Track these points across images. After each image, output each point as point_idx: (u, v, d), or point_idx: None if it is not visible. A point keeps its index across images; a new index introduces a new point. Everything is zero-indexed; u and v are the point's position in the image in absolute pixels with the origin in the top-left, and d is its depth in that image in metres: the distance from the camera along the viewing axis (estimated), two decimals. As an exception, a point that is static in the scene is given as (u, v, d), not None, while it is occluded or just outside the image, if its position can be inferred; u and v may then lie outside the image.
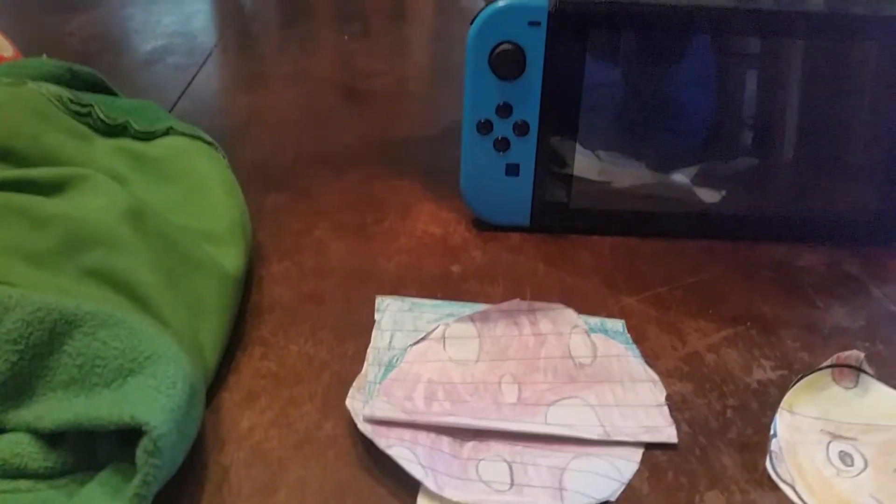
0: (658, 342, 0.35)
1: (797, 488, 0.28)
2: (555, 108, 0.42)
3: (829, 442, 0.30)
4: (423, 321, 0.35)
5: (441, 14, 0.95)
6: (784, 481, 0.28)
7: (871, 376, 0.33)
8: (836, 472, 0.29)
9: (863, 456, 0.30)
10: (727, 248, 0.43)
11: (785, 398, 0.32)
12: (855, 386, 0.33)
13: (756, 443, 0.30)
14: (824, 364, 0.33)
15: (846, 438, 0.30)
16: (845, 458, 0.30)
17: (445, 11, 0.99)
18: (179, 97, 0.64)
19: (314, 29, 0.89)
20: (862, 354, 0.33)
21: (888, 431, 0.31)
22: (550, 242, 0.44)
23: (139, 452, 0.23)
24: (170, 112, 0.61)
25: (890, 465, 0.29)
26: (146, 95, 0.63)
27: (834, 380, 0.33)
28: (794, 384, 0.32)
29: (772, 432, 0.30)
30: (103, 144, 0.41)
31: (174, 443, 0.24)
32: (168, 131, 0.42)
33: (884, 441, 0.30)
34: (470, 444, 0.29)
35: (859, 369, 0.33)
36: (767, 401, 0.32)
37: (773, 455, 0.29)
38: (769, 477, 0.29)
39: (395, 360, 0.32)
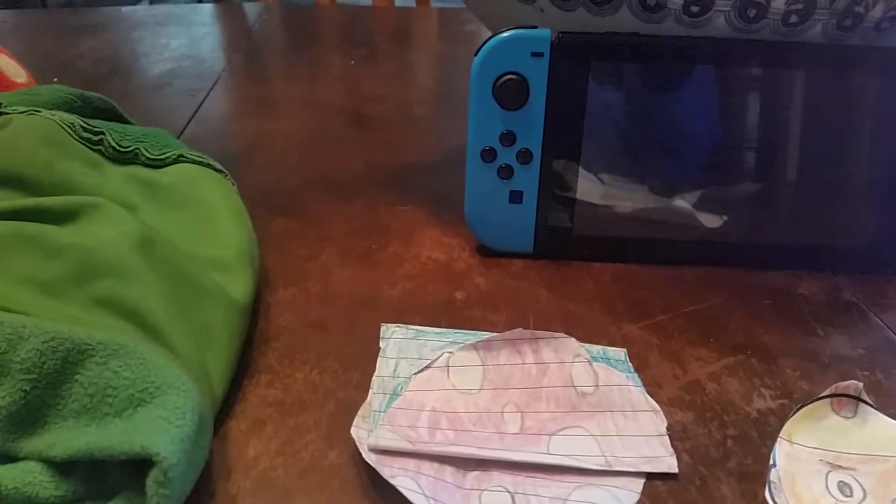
0: (659, 370, 0.36)
1: None
2: (558, 136, 0.42)
3: (829, 472, 0.31)
4: (427, 349, 0.35)
5: (445, 38, 0.97)
6: None
7: (871, 406, 0.33)
8: (835, 502, 0.29)
9: (861, 486, 0.30)
10: (727, 275, 0.43)
11: (784, 428, 0.32)
12: (854, 416, 0.33)
13: (755, 472, 0.30)
14: (823, 394, 0.33)
15: (845, 469, 0.31)
16: (844, 488, 0.30)
17: (450, 36, 1.01)
18: (189, 121, 0.64)
19: (321, 53, 0.90)
20: (861, 384, 0.33)
21: (887, 462, 0.31)
22: (553, 269, 0.44)
23: (149, 482, 0.24)
24: (179, 136, 0.61)
25: (888, 495, 0.29)
26: (156, 119, 0.65)
27: (833, 409, 0.33)
28: (794, 414, 0.33)
29: (771, 462, 0.31)
30: (114, 172, 0.42)
31: (183, 472, 0.25)
32: (178, 159, 0.43)
33: (883, 471, 0.30)
34: (473, 474, 0.29)
35: (859, 399, 0.34)
36: (767, 430, 0.32)
37: (772, 485, 0.30)
38: (768, 507, 0.29)
39: (399, 389, 0.33)
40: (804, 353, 0.37)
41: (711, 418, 0.33)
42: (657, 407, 0.33)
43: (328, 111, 0.69)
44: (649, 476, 0.30)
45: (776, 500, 0.29)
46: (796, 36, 0.41)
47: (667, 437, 0.31)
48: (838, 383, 0.33)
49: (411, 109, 0.70)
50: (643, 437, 0.31)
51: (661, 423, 0.32)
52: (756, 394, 0.34)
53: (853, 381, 0.33)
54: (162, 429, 0.25)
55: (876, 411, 0.33)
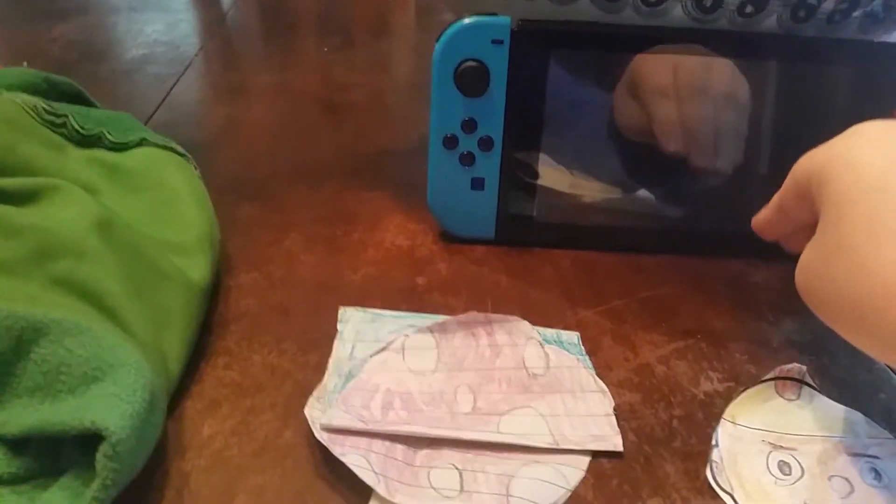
0: (611, 353, 0.36)
1: (736, 496, 0.29)
2: (518, 124, 0.43)
3: (770, 452, 0.32)
4: (384, 332, 0.36)
5: (422, 28, 0.97)
6: (724, 490, 0.30)
7: (814, 389, 0.34)
8: (775, 480, 0.30)
9: (800, 465, 0.31)
10: (685, 263, 0.44)
11: (728, 409, 0.33)
12: (797, 398, 0.34)
13: (699, 452, 0.31)
14: (767, 376, 0.34)
15: (786, 448, 0.32)
16: (784, 467, 0.31)
17: (427, 25, 1.01)
18: (157, 107, 0.64)
19: (296, 41, 0.90)
20: (804, 368, 0.34)
21: (826, 442, 0.32)
22: (514, 255, 0.45)
23: (99, 457, 0.24)
24: (147, 122, 0.61)
25: (825, 473, 0.31)
26: (125, 105, 0.64)
27: (777, 392, 0.34)
28: (738, 396, 0.34)
29: (713, 442, 0.32)
30: (77, 155, 0.42)
31: (133, 448, 0.25)
32: (141, 142, 0.43)
33: (821, 451, 0.32)
34: (423, 452, 0.30)
35: (802, 382, 0.35)
36: (713, 411, 0.33)
37: (714, 464, 0.31)
38: (710, 485, 0.30)
39: (355, 370, 0.34)
40: (754, 339, 0.38)
41: (658, 399, 0.34)
42: (605, 388, 0.33)
43: (300, 98, 0.69)
44: (595, 454, 0.31)
45: (718, 479, 0.30)
46: (752, 26, 0.42)
47: (613, 417, 0.32)
48: (782, 366, 0.34)
49: (384, 97, 0.71)
50: (590, 417, 0.32)
51: (608, 404, 0.33)
52: (704, 377, 0.35)
53: (797, 364, 0.35)
54: (112, 405, 0.25)
55: (818, 394, 0.34)
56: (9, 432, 0.27)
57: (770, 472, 0.31)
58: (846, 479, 0.30)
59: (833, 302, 0.29)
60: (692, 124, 0.43)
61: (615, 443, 0.31)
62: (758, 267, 0.44)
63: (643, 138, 0.44)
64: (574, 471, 0.30)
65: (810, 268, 0.30)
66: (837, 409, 0.34)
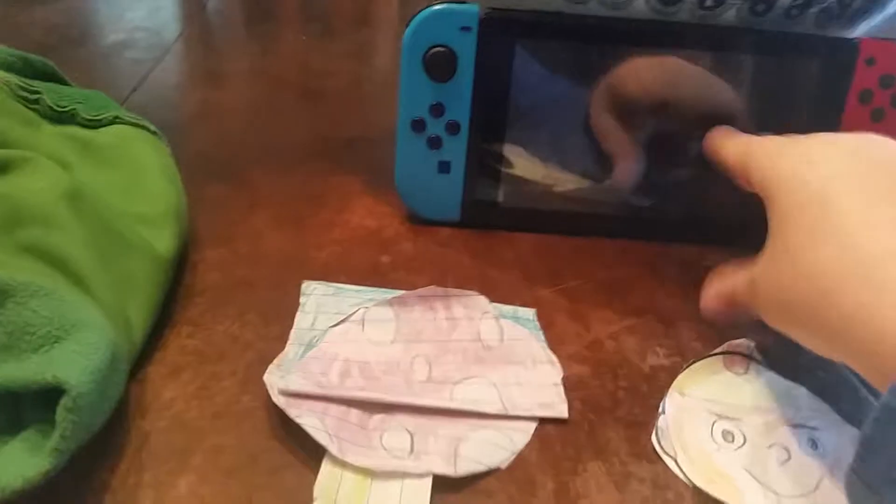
0: (564, 329, 0.38)
1: (678, 460, 0.31)
2: (485, 109, 0.44)
3: (715, 421, 0.33)
4: (345, 305, 0.37)
5: (405, 21, 0.98)
6: (667, 454, 0.31)
7: (761, 364, 0.36)
8: (717, 447, 0.32)
9: (743, 434, 0.32)
10: (642, 247, 0.46)
11: (676, 381, 0.35)
12: (745, 372, 0.36)
13: (641, 421, 0.33)
14: (716, 350, 0.36)
15: (731, 419, 0.33)
16: (727, 435, 0.32)
17: (408, 17, 1.02)
18: (133, 91, 0.65)
19: (276, 29, 0.91)
20: (752, 343, 0.36)
21: (770, 414, 0.34)
22: (478, 238, 0.46)
23: (59, 409, 0.25)
24: (123, 104, 0.62)
25: (766, 442, 0.32)
26: (102, 87, 0.65)
27: (725, 366, 0.36)
28: (686, 367, 0.35)
29: (660, 410, 0.33)
30: (50, 131, 0.43)
31: (93, 403, 0.26)
32: (114, 120, 0.44)
33: (765, 422, 0.33)
34: (377, 417, 0.31)
35: (750, 357, 0.36)
36: (657, 384, 0.35)
37: (660, 430, 0.32)
38: (649, 451, 0.31)
39: (315, 341, 0.35)
40: (702, 318, 0.40)
41: (606, 372, 0.35)
42: (555, 359, 0.35)
43: (276, 84, 0.70)
44: (542, 421, 0.32)
45: (662, 443, 0.32)
46: (712, 19, 0.43)
47: (561, 387, 0.34)
48: (731, 341, 0.36)
49: (360, 86, 0.72)
50: (539, 387, 0.33)
51: (556, 374, 0.34)
52: (651, 352, 0.37)
53: (745, 339, 0.36)
54: (74, 361, 0.26)
55: (765, 369, 0.36)
56: (-28, 389, 0.28)
57: (713, 439, 0.32)
58: (785, 448, 0.32)
59: (781, 305, 0.31)
60: (661, 126, 0.45)
61: (561, 410, 0.32)
62: (710, 252, 0.46)
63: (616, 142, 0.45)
64: (521, 435, 0.31)
65: (760, 277, 0.33)
66: (782, 384, 0.35)
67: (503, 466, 0.30)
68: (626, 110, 0.44)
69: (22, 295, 0.29)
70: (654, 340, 0.38)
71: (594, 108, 0.45)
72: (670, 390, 0.34)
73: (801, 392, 0.35)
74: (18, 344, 0.28)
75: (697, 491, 0.30)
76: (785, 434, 0.32)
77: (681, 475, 0.30)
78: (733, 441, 0.32)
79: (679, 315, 0.40)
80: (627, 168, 0.45)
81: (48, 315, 0.28)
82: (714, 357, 0.36)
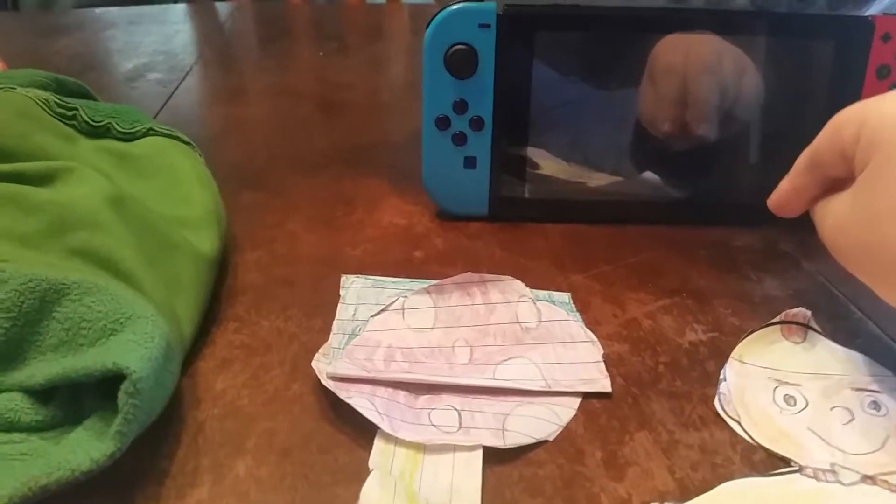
0: (600, 311, 0.38)
1: (743, 423, 0.31)
2: (507, 104, 0.45)
3: (776, 387, 0.33)
4: (384, 295, 0.38)
5: (416, 32, 0.99)
6: (731, 418, 0.32)
7: (819, 332, 0.36)
8: (780, 410, 0.32)
9: (805, 398, 0.33)
10: (669, 231, 0.46)
11: (735, 350, 0.35)
12: (803, 341, 0.36)
13: (683, 392, 0.33)
14: (773, 320, 0.36)
15: (791, 384, 0.33)
16: (789, 399, 0.33)
17: (420, 29, 1.03)
18: (160, 110, 0.67)
19: (292, 47, 0.93)
20: (809, 312, 0.36)
21: (830, 378, 0.34)
22: (507, 230, 0.47)
23: (121, 394, 0.26)
24: (151, 122, 0.64)
25: (828, 404, 0.32)
26: (128, 107, 0.66)
27: (783, 335, 0.36)
28: (745, 337, 0.36)
29: (721, 377, 0.33)
30: (87, 145, 0.44)
31: (152, 388, 0.27)
32: (148, 132, 0.45)
33: (825, 386, 0.33)
34: (424, 397, 0.32)
35: (807, 326, 0.36)
36: (697, 358, 0.35)
37: (722, 396, 0.33)
38: (695, 419, 0.32)
39: (357, 330, 0.35)
40: (737, 295, 0.40)
41: (645, 349, 0.36)
42: (594, 338, 0.35)
43: (297, 98, 0.71)
44: (585, 396, 0.33)
45: (725, 409, 0.32)
46: (725, 4, 0.44)
47: (602, 364, 0.34)
48: (788, 311, 0.36)
49: (379, 95, 0.73)
50: (581, 364, 0.34)
51: (597, 352, 0.35)
52: (689, 328, 0.37)
53: (802, 308, 0.36)
54: (132, 349, 0.27)
55: (823, 337, 0.36)
56: (35, 383, 0.29)
57: (776, 403, 0.32)
58: (847, 409, 0.32)
59: (881, 261, 0.29)
60: (698, 103, 0.45)
61: (604, 385, 0.33)
62: (739, 233, 0.46)
63: (662, 125, 0.46)
64: (566, 410, 0.32)
65: (849, 226, 0.31)
66: (840, 351, 0.35)
67: (551, 439, 0.30)
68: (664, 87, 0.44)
69: (76, 293, 0.30)
70: (690, 317, 0.38)
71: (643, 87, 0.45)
72: (729, 359, 0.35)
73: (860, 358, 0.35)
74: (76, 339, 0.29)
75: (747, 455, 0.30)
76: (846, 397, 0.33)
77: (746, 437, 0.31)
78: (795, 405, 0.32)
79: (713, 293, 0.40)
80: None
81: (103, 310, 0.29)
82: (771, 327, 0.36)
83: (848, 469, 0.29)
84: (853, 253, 0.31)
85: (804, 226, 0.46)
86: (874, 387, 0.33)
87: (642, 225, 0.47)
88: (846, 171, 0.32)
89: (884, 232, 0.29)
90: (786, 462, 0.30)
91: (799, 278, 0.42)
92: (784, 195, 0.36)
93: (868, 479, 0.28)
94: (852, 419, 0.31)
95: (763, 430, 0.31)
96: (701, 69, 0.44)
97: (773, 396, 0.33)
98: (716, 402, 0.32)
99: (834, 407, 0.32)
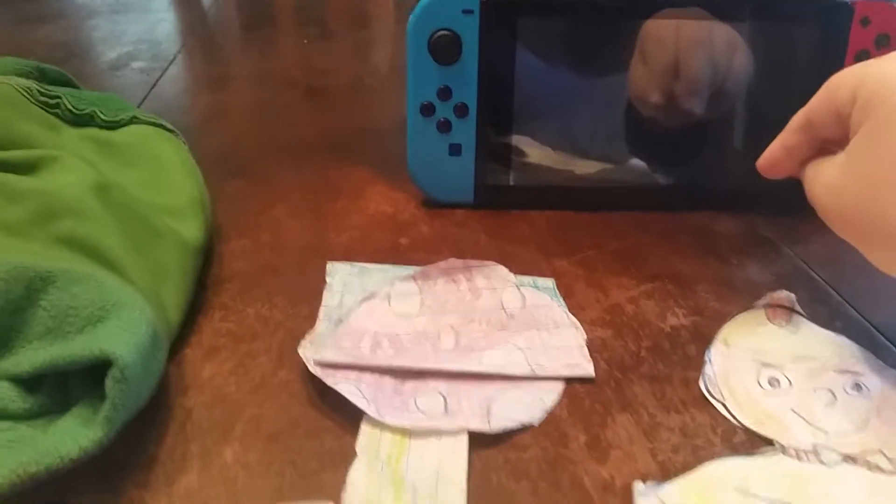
0: (584, 296, 0.39)
1: (728, 405, 0.32)
2: (491, 91, 0.45)
3: (760, 370, 0.34)
4: (370, 282, 0.38)
5: (400, 20, 0.99)
6: (716, 399, 0.32)
7: (803, 316, 0.37)
8: (764, 392, 0.33)
9: (788, 379, 0.33)
10: (652, 217, 0.47)
11: (720, 333, 0.36)
12: (787, 324, 0.37)
13: (665, 376, 0.34)
14: (759, 302, 0.37)
15: (775, 367, 0.34)
16: (773, 381, 0.33)
17: (404, 18, 1.03)
18: (144, 98, 0.66)
19: (275, 33, 0.92)
20: (794, 295, 0.37)
21: (814, 361, 0.34)
22: (492, 217, 0.47)
23: (108, 381, 0.26)
24: (135, 110, 0.63)
25: (811, 386, 0.33)
26: (112, 96, 0.66)
27: (768, 318, 0.37)
28: (730, 320, 0.36)
29: (707, 359, 0.34)
30: (71, 133, 0.44)
31: (139, 375, 0.27)
32: (132, 120, 0.45)
33: (809, 368, 0.34)
34: (410, 383, 0.32)
35: (792, 310, 0.37)
36: (679, 342, 0.36)
37: (707, 378, 0.33)
38: (676, 403, 0.32)
39: (344, 317, 0.36)
40: (718, 279, 0.41)
41: (628, 333, 0.36)
42: (578, 323, 0.36)
43: (281, 86, 0.71)
44: (569, 380, 0.33)
45: (711, 391, 0.32)
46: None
47: (585, 349, 0.34)
48: (772, 293, 0.37)
49: (362, 81, 0.73)
50: (564, 349, 0.34)
51: (580, 337, 0.35)
52: (670, 313, 0.38)
53: (786, 291, 0.37)
54: (118, 336, 0.27)
55: (808, 321, 0.36)
56: (22, 371, 0.29)
57: (760, 385, 0.33)
58: (830, 391, 0.33)
59: (874, 224, 0.29)
60: (689, 77, 0.45)
61: (587, 369, 0.33)
62: (720, 218, 0.47)
63: (654, 107, 0.46)
64: (550, 394, 0.32)
65: (842, 188, 0.30)
66: (824, 334, 0.36)
67: (535, 423, 0.31)
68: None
69: (63, 281, 0.30)
70: (671, 302, 0.39)
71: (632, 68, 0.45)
72: (714, 341, 0.35)
73: (845, 341, 0.35)
74: (63, 327, 0.29)
75: (728, 437, 0.30)
76: (829, 379, 0.33)
77: (731, 419, 0.31)
78: (779, 386, 0.33)
79: (694, 278, 0.41)
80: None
81: (89, 298, 0.29)
82: (756, 310, 0.37)
83: (830, 449, 0.29)
84: (844, 215, 0.31)
85: (784, 212, 0.47)
86: (857, 368, 0.34)
87: (626, 211, 0.47)
88: (840, 132, 0.32)
89: (876, 194, 0.29)
90: (769, 443, 0.30)
91: (779, 263, 0.43)
92: (775, 155, 0.36)
93: (850, 459, 0.29)
94: (835, 400, 0.32)
95: (747, 412, 0.31)
96: (693, 43, 0.44)
97: (758, 378, 0.33)
98: (700, 384, 0.33)
99: (817, 389, 0.33)
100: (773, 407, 0.32)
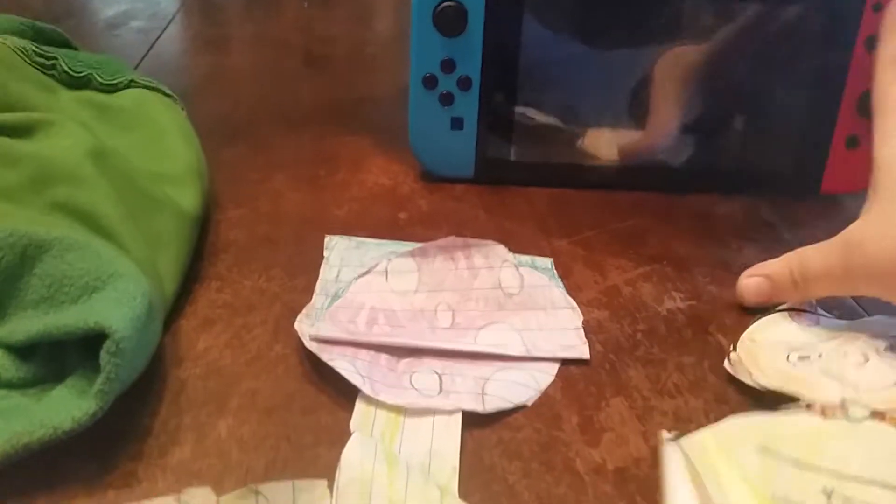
0: (582, 277, 0.39)
1: (753, 375, 0.31)
2: (495, 64, 0.45)
3: (789, 352, 0.33)
4: (368, 257, 0.38)
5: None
6: (740, 374, 0.32)
7: (829, 317, 0.36)
8: (793, 365, 0.32)
9: (819, 354, 0.32)
10: (654, 198, 0.46)
11: (746, 332, 0.34)
12: (813, 324, 0.36)
13: (660, 359, 0.34)
14: (781, 307, 0.36)
15: (806, 349, 0.33)
16: (804, 359, 0.32)
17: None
18: (143, 58, 0.65)
19: (276, -4, 0.90)
20: (814, 300, 0.36)
21: (841, 336, 0.33)
22: (492, 193, 0.47)
23: (103, 353, 0.26)
24: (132, 71, 0.62)
25: (841, 353, 0.32)
26: (109, 56, 0.65)
27: (792, 319, 0.36)
28: (754, 322, 0.35)
29: (732, 348, 0.33)
30: (68, 96, 0.43)
31: (134, 348, 0.27)
32: (130, 84, 0.45)
33: (839, 342, 0.33)
34: (406, 360, 0.32)
35: (815, 313, 0.36)
36: (675, 325, 0.36)
37: (733, 360, 0.33)
38: (670, 387, 0.32)
39: (341, 291, 0.36)
40: (716, 263, 0.41)
41: (624, 316, 0.36)
42: (574, 305, 0.36)
43: (282, 49, 0.70)
44: (564, 362, 0.33)
45: (737, 370, 0.32)
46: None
47: (581, 330, 0.34)
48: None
49: (363, 49, 0.72)
50: (560, 330, 0.34)
51: (577, 319, 0.35)
52: (667, 296, 0.38)
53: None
54: (114, 308, 0.27)
55: (834, 318, 0.35)
56: (16, 340, 0.29)
57: (790, 362, 0.32)
58: (862, 354, 0.31)
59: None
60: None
61: (582, 351, 0.33)
62: (721, 201, 0.47)
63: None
64: (544, 375, 0.32)
65: (869, 239, 0.32)
66: (854, 322, 0.35)
67: (529, 404, 0.31)
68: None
69: (58, 249, 0.30)
70: (669, 285, 0.38)
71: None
72: (741, 339, 0.34)
73: (875, 318, 0.35)
74: (57, 296, 0.29)
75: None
76: (862, 344, 0.32)
77: (755, 385, 0.31)
78: (809, 360, 0.32)
79: (693, 261, 0.40)
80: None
81: (85, 267, 0.29)
82: (780, 312, 0.36)
83: (858, 404, 0.28)
84: (872, 270, 0.32)
85: (783, 197, 0.47)
86: (893, 332, 0.33)
87: (627, 191, 0.47)
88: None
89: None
90: (794, 401, 0.29)
91: (777, 247, 0.42)
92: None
93: (878, 414, 0.27)
94: (867, 361, 0.31)
95: (773, 379, 0.31)
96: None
97: (787, 357, 0.33)
98: (726, 364, 0.32)
99: (848, 353, 0.32)
100: (802, 373, 0.31)
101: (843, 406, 0.28)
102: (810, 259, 0.35)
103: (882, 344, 0.32)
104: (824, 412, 0.28)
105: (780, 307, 0.36)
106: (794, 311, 0.36)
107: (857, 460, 0.26)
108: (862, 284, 0.33)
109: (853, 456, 0.26)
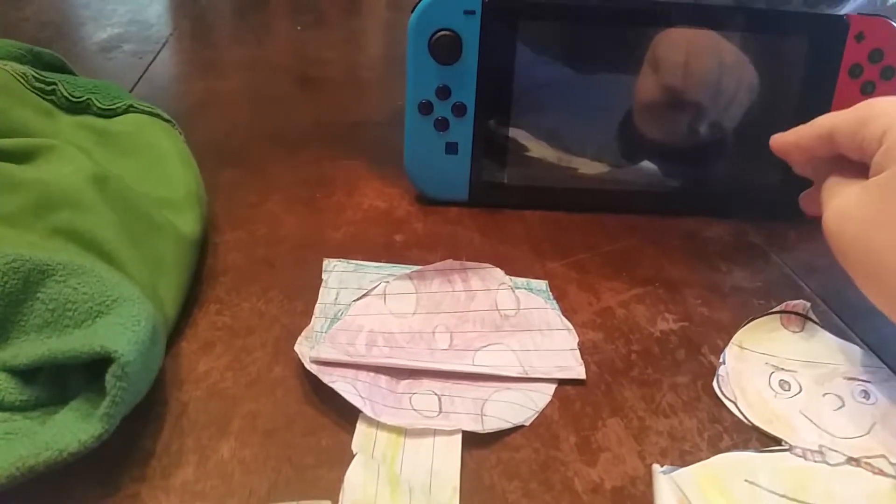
0: (576, 299, 0.39)
1: (738, 404, 0.33)
2: (489, 91, 0.45)
3: (772, 373, 0.35)
4: (366, 280, 0.38)
5: (394, 8, 0.99)
6: (727, 398, 0.33)
7: (816, 323, 0.38)
8: (774, 394, 0.34)
9: (799, 384, 0.34)
10: (644, 220, 0.47)
11: (735, 336, 0.37)
12: (801, 331, 0.38)
13: (654, 380, 0.34)
14: (774, 309, 0.38)
15: (787, 370, 0.35)
16: (784, 384, 0.34)
17: (399, 5, 1.03)
18: (137, 82, 0.66)
19: (268, 20, 0.92)
20: (808, 304, 0.38)
21: (824, 367, 0.35)
22: (486, 216, 0.47)
23: (108, 377, 0.26)
24: (127, 95, 0.63)
25: (821, 391, 0.34)
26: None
27: (782, 324, 0.38)
28: (746, 324, 0.37)
29: (721, 360, 0.35)
30: (67, 121, 0.44)
31: (139, 371, 0.27)
32: (129, 108, 0.45)
33: (819, 374, 0.35)
34: (405, 382, 0.33)
35: (806, 317, 0.38)
36: (668, 347, 0.36)
37: (720, 377, 0.34)
38: (664, 407, 0.33)
39: (339, 314, 0.36)
40: (706, 285, 0.41)
41: (619, 337, 0.37)
42: (570, 326, 0.36)
43: (275, 73, 0.71)
44: (561, 382, 0.34)
45: (723, 389, 0.34)
46: None
47: (577, 351, 0.35)
48: (788, 301, 0.38)
49: (358, 72, 0.73)
50: (557, 351, 0.35)
51: (573, 340, 0.36)
52: (660, 318, 0.38)
53: (802, 300, 0.38)
54: (119, 332, 0.27)
55: (821, 328, 0.37)
56: (19, 363, 0.29)
57: (771, 387, 0.34)
58: (839, 396, 0.34)
59: (880, 264, 0.29)
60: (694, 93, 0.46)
61: (579, 372, 0.34)
62: (710, 223, 0.48)
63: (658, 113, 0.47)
64: (542, 396, 0.33)
65: (851, 216, 0.31)
66: (836, 342, 0.37)
67: (527, 424, 0.31)
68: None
69: (61, 274, 0.30)
70: (662, 307, 0.39)
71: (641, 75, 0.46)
72: (730, 344, 0.36)
73: (854, 349, 0.36)
74: (61, 320, 0.29)
75: (714, 442, 0.31)
76: (838, 385, 0.34)
77: (740, 416, 0.32)
78: (789, 389, 0.34)
79: (684, 283, 0.41)
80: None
81: (88, 292, 0.30)
82: (771, 315, 0.38)
83: (835, 451, 0.30)
84: (844, 242, 0.31)
85: (771, 219, 0.48)
86: (865, 377, 0.35)
87: (619, 214, 0.48)
88: (859, 158, 0.32)
89: (881, 238, 0.29)
90: (777, 442, 0.31)
91: (766, 270, 0.44)
92: (787, 145, 0.37)
93: (853, 461, 0.30)
94: (842, 406, 0.33)
95: (757, 412, 0.33)
96: (704, 52, 0.45)
97: (769, 381, 0.34)
98: (714, 384, 0.34)
99: (826, 394, 0.34)
100: (783, 409, 0.33)
101: (821, 451, 0.31)
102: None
103: (857, 388, 0.34)
104: (805, 455, 0.30)
105: (774, 309, 0.38)
106: (787, 314, 0.37)
107: (838, 499, 0.29)
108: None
109: (834, 496, 0.29)
